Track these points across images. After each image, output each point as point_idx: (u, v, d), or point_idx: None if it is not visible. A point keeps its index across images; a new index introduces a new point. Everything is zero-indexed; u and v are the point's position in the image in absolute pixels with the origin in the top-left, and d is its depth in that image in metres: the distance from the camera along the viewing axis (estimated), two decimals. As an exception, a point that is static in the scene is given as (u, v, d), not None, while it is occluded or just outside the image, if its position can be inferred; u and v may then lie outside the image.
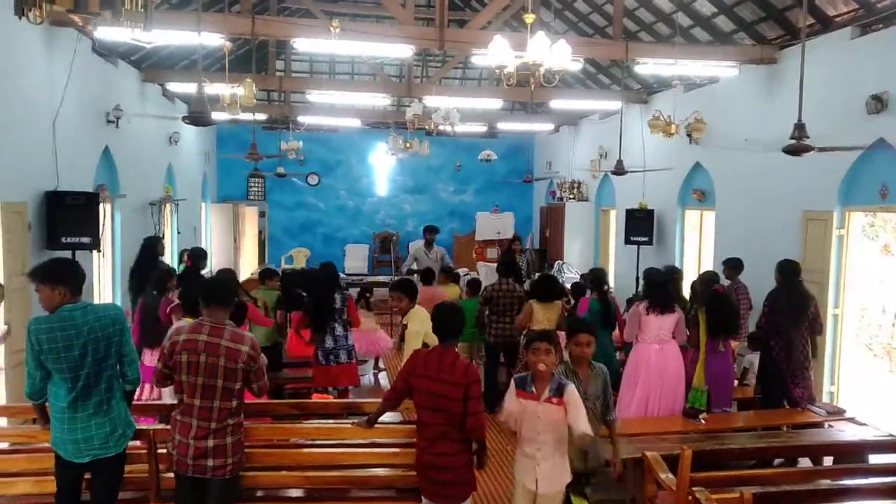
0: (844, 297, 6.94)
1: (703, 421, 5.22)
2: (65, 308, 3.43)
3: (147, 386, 5.33)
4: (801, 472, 4.42)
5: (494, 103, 11.77)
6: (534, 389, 3.66)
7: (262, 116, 12.89)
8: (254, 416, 4.59)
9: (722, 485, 3.76)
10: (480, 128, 14.27)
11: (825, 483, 4.04)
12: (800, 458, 5.18)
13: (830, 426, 5.40)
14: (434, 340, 3.91)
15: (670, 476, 3.91)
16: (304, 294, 6.72)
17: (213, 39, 7.11)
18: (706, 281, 6.15)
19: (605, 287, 6.58)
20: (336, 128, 15.56)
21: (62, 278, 3.45)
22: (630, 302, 8.05)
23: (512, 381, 3.79)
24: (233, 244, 13.81)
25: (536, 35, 4.50)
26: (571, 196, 13.79)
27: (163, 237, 9.14)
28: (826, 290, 6.88)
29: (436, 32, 7.33)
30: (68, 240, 6.58)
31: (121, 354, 3.56)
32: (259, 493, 4.12)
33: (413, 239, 15.54)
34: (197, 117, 4.88)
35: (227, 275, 6.51)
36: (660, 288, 5.78)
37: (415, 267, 9.95)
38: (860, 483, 4.02)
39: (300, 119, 13.22)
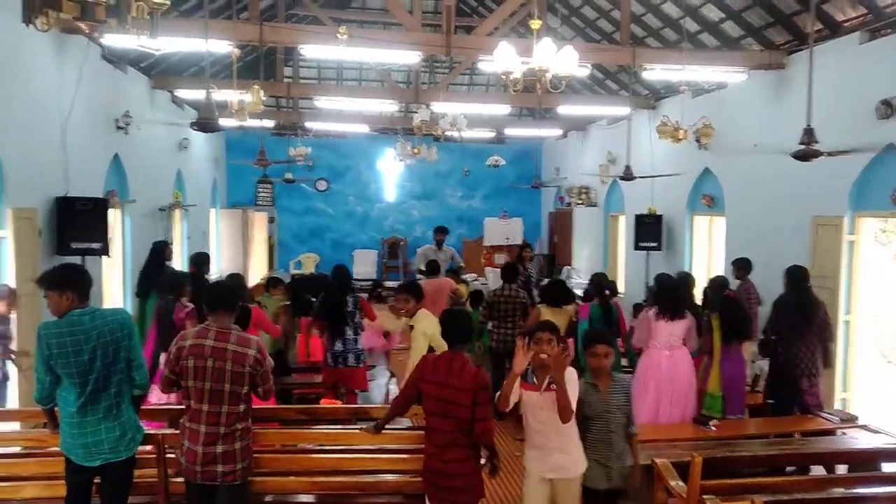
0: (855, 304, 6.88)
1: (713, 428, 5.18)
2: (73, 313, 3.45)
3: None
4: (813, 480, 4.38)
5: (502, 109, 11.76)
6: (535, 380, 3.67)
7: (270, 123, 12.95)
8: (262, 421, 4.59)
9: (733, 493, 3.73)
10: (488, 133, 14.28)
11: (838, 491, 4.00)
12: (813, 466, 5.15)
13: (843, 433, 5.34)
14: (441, 345, 3.89)
15: (680, 483, 3.87)
16: (314, 299, 6.72)
17: (221, 46, 7.15)
18: (717, 286, 6.12)
19: (606, 292, 6.54)
20: (344, 134, 15.61)
21: (70, 284, 3.48)
22: (637, 308, 8.05)
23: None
24: (242, 249, 13.85)
25: (542, 41, 4.50)
26: (580, 202, 13.76)
27: (171, 242, 9.18)
28: (837, 297, 6.82)
29: (442, 39, 7.34)
30: (78, 245, 6.62)
31: (129, 359, 3.57)
32: (267, 499, 4.12)
33: (421, 244, 15.50)
34: (204, 124, 4.91)
35: (235, 280, 6.52)
36: (670, 294, 5.75)
37: (423, 267, 9.94)
38: (873, 492, 3.97)
39: (308, 125, 13.27)
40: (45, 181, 6.66)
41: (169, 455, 3.83)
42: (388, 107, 12.07)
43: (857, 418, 5.52)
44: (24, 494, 3.94)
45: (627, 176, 8.85)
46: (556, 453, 3.67)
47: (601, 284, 6.60)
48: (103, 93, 8.15)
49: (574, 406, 3.58)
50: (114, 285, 8.67)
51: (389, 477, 4.12)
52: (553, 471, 3.69)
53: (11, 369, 5.48)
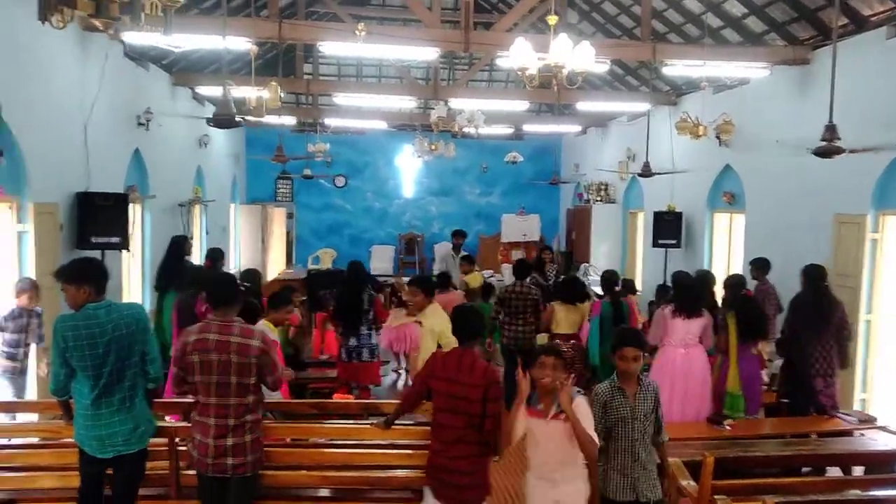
0: (877, 303, 6.75)
1: (728, 427, 5.13)
2: (89, 307, 3.51)
3: None
4: (827, 482, 4.32)
5: (521, 105, 11.71)
6: (541, 406, 3.48)
7: (290, 119, 13.02)
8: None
9: (745, 493, 3.69)
10: (507, 130, 14.23)
11: (853, 493, 3.93)
12: (830, 468, 5.07)
13: (862, 434, 5.24)
14: (450, 342, 3.88)
15: (692, 483, 3.83)
16: (328, 295, 6.76)
17: (240, 43, 7.20)
18: (734, 284, 6.06)
19: (617, 289, 6.51)
20: (363, 130, 15.67)
21: (87, 277, 3.54)
22: (651, 307, 7.98)
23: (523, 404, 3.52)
24: (261, 245, 13.97)
25: (559, 37, 4.47)
26: (598, 198, 13.67)
27: (190, 237, 9.28)
28: (858, 296, 6.70)
29: (461, 35, 7.32)
30: (98, 240, 6.72)
31: (143, 353, 3.62)
32: (278, 492, 4.15)
33: (438, 241, 15.56)
34: (221, 120, 4.95)
35: (251, 275, 6.57)
36: (687, 292, 5.71)
37: (440, 267, 9.95)
38: (890, 494, 3.89)
39: (327, 121, 13.32)
40: (66, 176, 6.77)
41: (181, 448, 3.87)
42: (406, 103, 12.08)
43: (875, 419, 5.43)
44: (40, 485, 4.02)
45: (646, 172, 8.77)
46: (560, 485, 3.48)
47: (612, 282, 6.59)
48: (125, 90, 8.25)
49: (593, 434, 3.37)
50: (133, 280, 8.78)
51: (400, 472, 4.13)
52: (556, 502, 3.48)
53: (31, 361, 5.58)
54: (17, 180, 6.04)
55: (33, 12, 2.77)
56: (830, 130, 5.35)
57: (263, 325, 5.23)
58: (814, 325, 5.40)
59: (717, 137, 9.02)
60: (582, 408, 3.40)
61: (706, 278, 6.54)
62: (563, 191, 16.79)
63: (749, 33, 8.58)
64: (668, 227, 10.31)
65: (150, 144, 9.00)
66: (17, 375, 5.40)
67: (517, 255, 13.99)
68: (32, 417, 4.91)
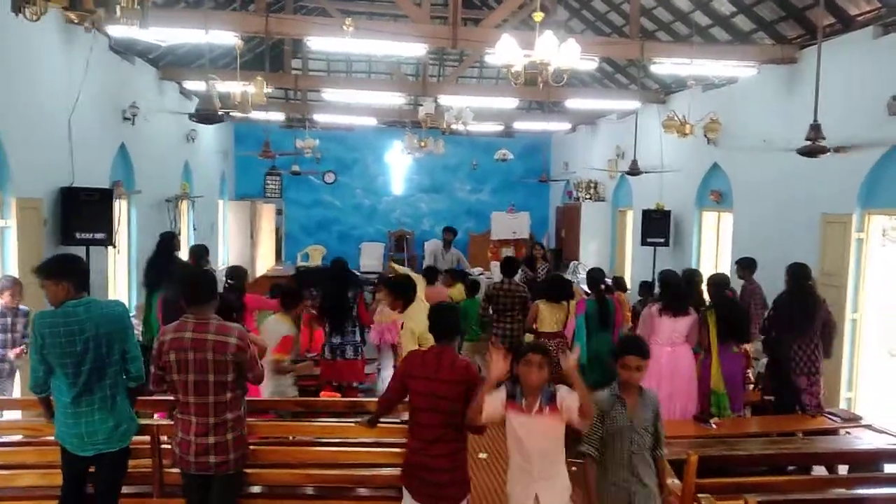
0: (863, 302, 6.79)
1: (714, 426, 5.15)
2: (69, 304, 3.48)
3: None
4: (812, 480, 4.34)
5: (510, 102, 11.70)
6: (524, 402, 3.44)
7: (278, 115, 12.95)
8: (259, 412, 4.61)
9: (729, 491, 3.69)
10: (497, 127, 14.21)
11: (835, 492, 3.94)
12: (816, 467, 5.09)
13: (847, 433, 5.28)
14: (430, 341, 3.84)
15: (675, 481, 3.83)
16: (315, 292, 6.72)
17: (227, 38, 7.14)
18: (716, 284, 6.08)
19: (602, 287, 6.53)
20: (352, 126, 15.60)
21: (66, 274, 3.50)
22: (637, 305, 8.00)
23: (502, 389, 3.49)
24: (250, 241, 13.91)
25: (544, 34, 4.45)
26: (588, 196, 13.69)
27: (178, 233, 9.21)
28: (844, 295, 6.75)
29: (449, 31, 7.29)
30: (83, 236, 6.65)
31: (124, 351, 3.59)
32: (262, 490, 4.13)
33: (428, 238, 15.52)
34: (205, 115, 4.90)
35: (236, 272, 6.52)
36: (674, 290, 5.73)
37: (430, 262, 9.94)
38: (872, 493, 3.91)
39: (316, 117, 13.26)
40: (50, 171, 6.69)
41: (164, 446, 3.84)
42: (396, 99, 12.02)
43: (860, 418, 5.46)
44: (22, 482, 3.98)
45: (634, 171, 8.77)
46: (539, 481, 3.44)
47: (597, 279, 6.62)
48: (110, 83, 8.17)
49: (582, 416, 3.31)
50: (120, 276, 8.71)
51: (385, 470, 4.10)
52: (537, 501, 3.43)
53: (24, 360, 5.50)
54: (0, 175, 5.97)
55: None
56: (815, 130, 5.38)
57: (278, 319, 5.23)
58: (798, 323, 5.42)
59: (706, 136, 9.04)
60: (567, 400, 3.37)
61: (693, 277, 6.57)
62: (553, 188, 16.80)
63: (737, 32, 8.60)
64: (657, 225, 10.34)
65: (136, 139, 8.92)
66: (5, 377, 5.30)
67: (507, 252, 14.00)
68: (16, 415, 4.86)
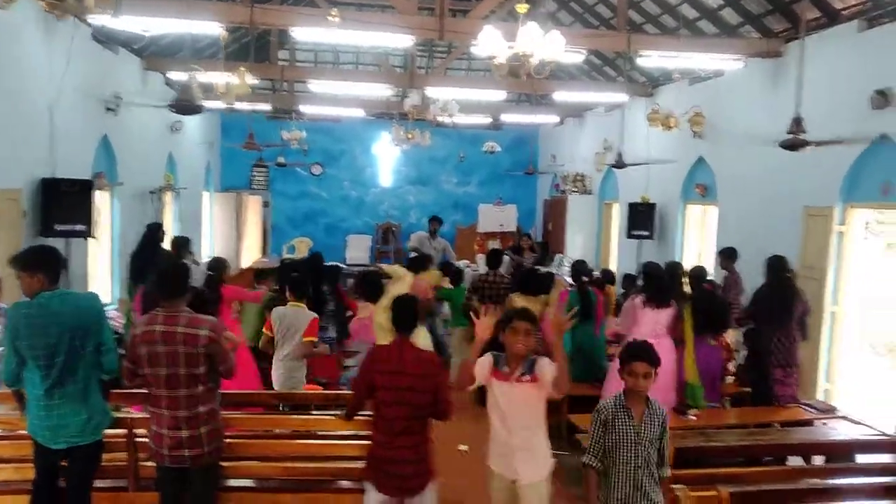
0: (842, 295, 6.84)
1: (693, 417, 5.18)
2: (42, 295, 3.46)
3: None
4: (787, 471, 4.37)
5: (498, 95, 11.67)
6: (507, 369, 3.42)
7: (265, 106, 12.85)
8: (237, 405, 4.59)
9: (704, 482, 3.70)
10: (485, 119, 14.19)
11: (809, 482, 3.97)
12: (792, 457, 5.13)
13: (824, 424, 5.33)
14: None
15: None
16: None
17: (213, 28, 7.07)
18: (695, 276, 6.11)
19: (584, 279, 6.55)
20: (339, 118, 15.51)
21: (40, 265, 3.49)
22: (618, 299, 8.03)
23: (489, 355, 3.48)
24: (235, 233, 13.83)
25: (527, 25, 4.44)
26: (575, 189, 13.69)
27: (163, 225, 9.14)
28: (824, 287, 6.79)
29: (436, 22, 7.26)
30: (62, 227, 6.60)
31: (98, 343, 3.56)
32: (240, 484, 4.12)
33: (416, 230, 15.49)
34: (184, 105, 4.85)
35: (218, 263, 6.47)
36: (658, 282, 5.76)
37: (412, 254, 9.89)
38: (844, 483, 3.95)
39: (303, 109, 13.18)
40: (30, 162, 6.62)
41: (139, 439, 3.82)
42: (384, 91, 11.97)
43: (836, 409, 5.52)
44: (-3, 477, 3.94)
45: (619, 164, 8.79)
46: (519, 452, 3.43)
47: (580, 271, 6.65)
48: (93, 73, 8.08)
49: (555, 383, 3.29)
50: (102, 268, 8.64)
51: (361, 463, 4.10)
52: (517, 472, 3.45)
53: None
54: (-22, 166, 5.92)
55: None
56: (797, 123, 5.40)
57: (295, 307, 5.22)
58: (777, 316, 5.46)
59: (692, 129, 9.06)
60: (546, 368, 3.36)
61: (676, 270, 6.61)
62: (541, 181, 16.79)
63: (724, 25, 8.60)
64: (642, 218, 10.38)
65: (119, 130, 8.83)
66: None
67: (493, 245, 14.01)
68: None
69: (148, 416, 3.59)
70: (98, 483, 3.76)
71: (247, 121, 13.69)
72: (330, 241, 15.25)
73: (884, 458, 4.52)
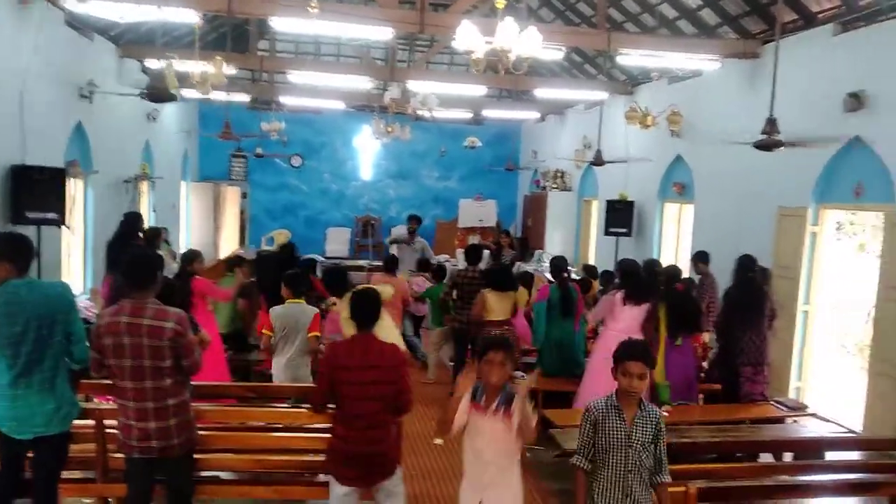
0: (815, 294, 6.95)
1: (665, 414, 5.22)
2: (10, 284, 3.40)
3: None
4: (758, 467, 4.43)
5: (479, 89, 11.66)
6: (483, 400, 3.27)
7: (243, 96, 12.71)
8: (210, 398, 4.55)
9: (675, 478, 3.72)
10: (466, 114, 14.17)
11: (778, 479, 4.04)
12: (764, 454, 5.21)
13: (794, 421, 5.41)
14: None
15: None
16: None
17: (190, 16, 6.96)
18: (668, 276, 6.17)
19: (565, 275, 6.59)
20: (320, 110, 15.39)
21: (6, 253, 3.42)
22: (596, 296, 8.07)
23: (468, 395, 3.31)
24: (213, 224, 13.69)
25: (505, 21, 4.43)
26: (555, 185, 13.74)
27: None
28: (797, 286, 6.89)
29: (416, 16, 7.23)
30: (34, 215, 6.49)
31: (68, 333, 3.50)
32: (210, 476, 4.08)
33: (395, 224, 15.47)
34: (155, 93, 4.78)
35: (191, 255, 6.39)
36: (637, 279, 5.82)
37: (394, 251, 9.85)
38: (810, 479, 4.02)
39: (283, 100, 13.06)
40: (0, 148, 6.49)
41: (109, 430, 3.76)
42: (365, 83, 11.90)
43: (806, 407, 5.60)
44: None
45: (597, 161, 8.83)
46: (490, 489, 3.28)
47: (560, 267, 6.68)
48: (66, 60, 7.93)
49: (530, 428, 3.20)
50: (75, 258, 8.51)
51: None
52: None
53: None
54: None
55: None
56: (771, 124, 5.46)
57: (295, 304, 5.16)
58: (746, 314, 5.53)
59: (669, 128, 9.13)
60: (521, 405, 3.22)
61: (653, 267, 6.67)
62: (522, 177, 16.84)
63: (703, 25, 8.67)
64: (620, 215, 10.44)
65: (93, 118, 8.68)
66: None
67: (473, 240, 14.02)
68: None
69: (116, 407, 3.53)
70: (66, 474, 3.70)
71: (225, 110, 13.54)
72: (309, 234, 15.17)
73: (851, 456, 4.61)
